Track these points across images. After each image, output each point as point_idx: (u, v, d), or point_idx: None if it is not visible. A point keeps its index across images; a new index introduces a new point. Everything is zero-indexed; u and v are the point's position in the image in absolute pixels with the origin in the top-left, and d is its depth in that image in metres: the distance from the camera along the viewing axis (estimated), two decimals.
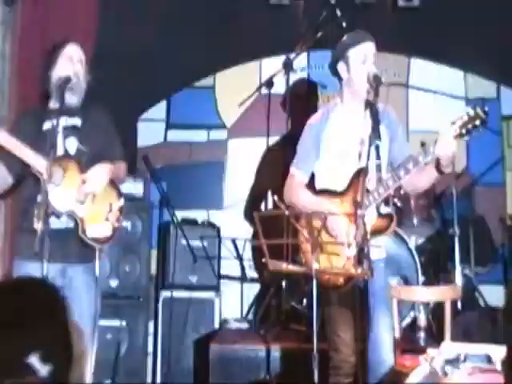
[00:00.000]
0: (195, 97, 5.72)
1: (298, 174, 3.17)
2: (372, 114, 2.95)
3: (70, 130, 3.07)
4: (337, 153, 3.09)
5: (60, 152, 3.02)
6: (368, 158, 2.86)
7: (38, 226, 2.72)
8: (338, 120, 3.14)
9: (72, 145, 3.07)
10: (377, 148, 2.90)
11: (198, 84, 5.76)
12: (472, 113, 2.87)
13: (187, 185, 5.40)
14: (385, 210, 3.05)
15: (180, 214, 5.12)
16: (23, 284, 1.52)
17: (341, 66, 3.13)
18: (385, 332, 3.01)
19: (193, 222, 5.17)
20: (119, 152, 3.25)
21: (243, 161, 5.63)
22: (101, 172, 3.04)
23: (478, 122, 2.86)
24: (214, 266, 5.03)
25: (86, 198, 3.02)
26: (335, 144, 3.10)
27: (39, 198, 2.86)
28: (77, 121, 3.10)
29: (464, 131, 2.86)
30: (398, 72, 5.63)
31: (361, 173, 2.93)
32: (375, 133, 2.84)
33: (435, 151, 2.87)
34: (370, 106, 2.98)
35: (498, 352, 2.93)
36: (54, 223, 2.95)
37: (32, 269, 2.82)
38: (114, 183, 3.14)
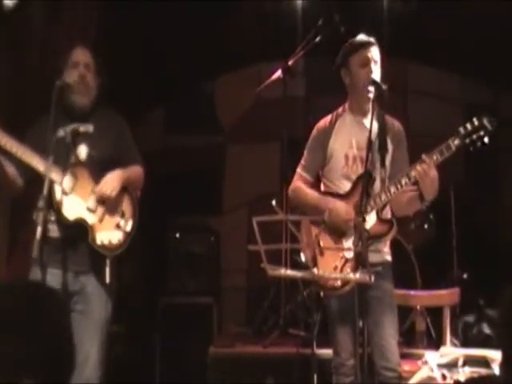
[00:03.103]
0: (194, 102, 5.72)
1: (303, 175, 3.20)
2: (380, 125, 2.98)
3: (82, 136, 3.06)
4: (342, 158, 3.11)
5: (71, 159, 3.01)
6: (372, 165, 2.88)
7: (38, 231, 2.73)
8: (345, 126, 3.16)
9: (83, 151, 3.06)
10: (382, 155, 2.93)
11: (198, 89, 5.76)
12: (477, 122, 2.85)
13: (186, 190, 5.40)
14: (385, 215, 3.06)
15: (179, 219, 5.12)
16: (20, 287, 1.52)
17: (343, 72, 3.16)
18: (391, 337, 3.01)
19: (192, 228, 5.17)
20: (135, 156, 3.20)
21: (242, 166, 5.63)
22: (112, 181, 3.01)
23: (482, 133, 2.84)
24: (213, 271, 5.03)
25: (96, 206, 3.01)
26: (341, 149, 3.12)
27: (40, 204, 2.86)
28: (89, 126, 3.08)
29: (468, 141, 2.84)
30: (395, 76, 5.65)
31: (364, 177, 2.94)
32: (381, 142, 2.86)
33: (414, 174, 2.86)
34: (379, 117, 3.01)
35: (496, 356, 2.94)
36: (64, 230, 2.96)
37: (48, 275, 2.85)
38: (127, 190, 3.09)
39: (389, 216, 3.09)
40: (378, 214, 2.99)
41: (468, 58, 5.14)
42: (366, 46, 3.11)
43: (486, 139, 2.83)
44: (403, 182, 2.92)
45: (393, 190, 2.94)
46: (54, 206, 2.94)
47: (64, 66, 3.08)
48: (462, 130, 2.85)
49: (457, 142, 2.84)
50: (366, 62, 3.07)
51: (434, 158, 2.85)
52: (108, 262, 2.97)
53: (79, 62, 3.09)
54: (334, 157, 3.13)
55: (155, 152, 5.54)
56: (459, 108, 5.61)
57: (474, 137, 2.83)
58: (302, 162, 3.23)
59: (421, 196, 2.92)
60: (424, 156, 2.86)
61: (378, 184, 3.02)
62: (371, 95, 3.01)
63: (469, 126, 2.85)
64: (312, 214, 3.09)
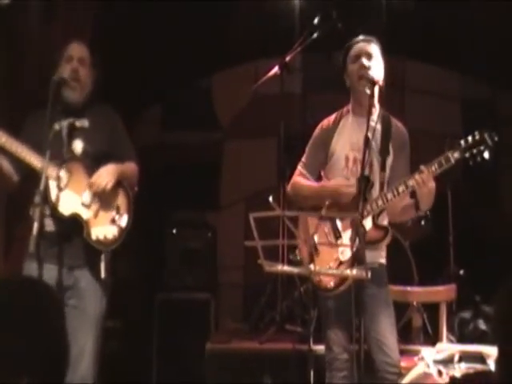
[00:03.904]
0: (191, 98, 5.72)
1: (304, 173, 3.20)
2: (384, 128, 2.97)
3: (77, 131, 3.06)
4: (342, 159, 3.10)
5: (66, 154, 3.01)
6: (372, 168, 2.89)
7: (35, 226, 2.73)
8: (347, 127, 3.15)
9: (78, 146, 3.06)
10: (383, 159, 2.92)
11: (195, 85, 5.76)
12: (478, 137, 2.83)
13: (183, 186, 5.41)
14: (381, 222, 3.05)
15: (176, 215, 5.12)
16: (15, 283, 1.51)
17: (345, 75, 3.15)
18: (389, 333, 3.01)
19: (189, 223, 5.18)
20: (129, 152, 3.20)
21: (239, 162, 5.64)
22: (107, 174, 3.02)
23: (482, 148, 2.82)
24: (210, 267, 5.03)
25: (91, 201, 3.01)
26: (342, 150, 3.11)
27: (36, 199, 2.86)
28: (84, 121, 3.08)
29: (468, 155, 2.82)
30: (393, 74, 5.64)
31: (363, 180, 2.93)
32: (384, 147, 2.86)
33: (412, 184, 2.86)
34: (383, 118, 3.00)
35: (492, 352, 2.95)
36: (59, 225, 2.96)
37: (43, 270, 2.85)
38: (122, 184, 3.10)
39: (385, 222, 3.08)
40: (373, 219, 2.98)
41: (466, 56, 5.14)
42: (358, 42, 3.11)
43: (486, 154, 2.82)
44: (400, 189, 2.91)
45: (390, 196, 2.94)
46: (49, 202, 2.94)
47: (59, 61, 3.09)
48: (462, 143, 2.84)
49: (456, 155, 2.83)
50: (357, 56, 3.06)
51: (433, 168, 2.85)
52: (103, 256, 2.97)
53: (73, 57, 3.10)
54: (335, 157, 3.12)
55: (152, 148, 5.55)
56: (457, 106, 5.61)
57: (474, 151, 2.82)
58: (303, 159, 3.22)
59: (417, 205, 2.92)
60: (422, 167, 2.86)
61: (376, 188, 3.00)
62: (367, 91, 2.99)
63: (469, 139, 2.84)
64: (312, 205, 3.08)
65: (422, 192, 2.86)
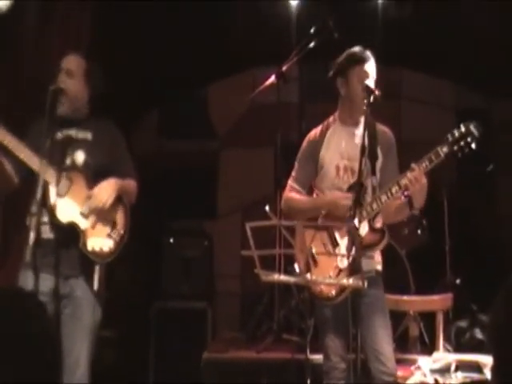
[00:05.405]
0: (188, 107, 5.74)
1: (295, 187, 3.20)
2: (370, 133, 2.99)
3: (79, 143, 3.08)
4: (333, 169, 3.12)
5: (67, 163, 3.02)
6: (363, 175, 2.90)
7: (31, 235, 2.73)
8: (335, 136, 3.16)
9: (80, 157, 3.07)
10: (372, 163, 2.94)
11: (191, 94, 5.78)
12: (464, 129, 2.88)
13: (180, 195, 5.41)
14: (377, 225, 3.07)
15: (173, 224, 5.12)
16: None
17: (340, 83, 3.15)
18: (385, 342, 3.02)
19: (186, 232, 5.18)
20: (129, 169, 3.21)
21: (236, 171, 5.65)
22: (107, 188, 3.02)
23: (469, 139, 2.86)
24: (207, 275, 5.03)
25: (90, 212, 3.02)
26: (332, 160, 3.13)
27: (33, 209, 2.87)
28: (86, 134, 3.10)
29: (456, 148, 2.86)
30: (389, 83, 5.67)
31: (355, 187, 2.95)
32: (372, 151, 2.88)
33: (404, 183, 2.88)
34: (369, 125, 3.02)
35: (488, 361, 2.96)
36: (57, 232, 2.97)
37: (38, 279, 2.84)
38: (121, 200, 3.10)
39: (379, 225, 3.09)
40: (369, 223, 3.00)
41: (462, 65, 5.17)
42: (366, 60, 3.11)
43: (473, 145, 2.87)
44: (394, 190, 2.93)
45: (384, 198, 2.96)
46: (47, 207, 2.94)
47: (57, 72, 3.10)
48: (449, 137, 2.88)
49: (445, 149, 2.88)
50: (366, 76, 3.07)
51: (424, 165, 2.88)
52: (97, 268, 2.97)
53: (70, 68, 3.10)
54: (325, 168, 3.14)
55: (149, 156, 5.55)
56: (453, 115, 5.63)
57: (462, 143, 2.86)
58: (293, 174, 3.23)
59: (410, 203, 2.94)
60: (413, 164, 2.88)
61: (369, 192, 3.03)
62: (365, 101, 3.01)
63: (456, 132, 2.88)
64: (306, 219, 3.10)
65: (414, 190, 2.88)
